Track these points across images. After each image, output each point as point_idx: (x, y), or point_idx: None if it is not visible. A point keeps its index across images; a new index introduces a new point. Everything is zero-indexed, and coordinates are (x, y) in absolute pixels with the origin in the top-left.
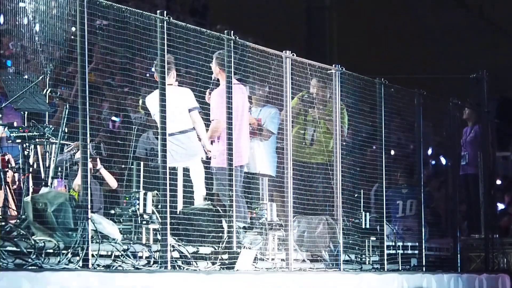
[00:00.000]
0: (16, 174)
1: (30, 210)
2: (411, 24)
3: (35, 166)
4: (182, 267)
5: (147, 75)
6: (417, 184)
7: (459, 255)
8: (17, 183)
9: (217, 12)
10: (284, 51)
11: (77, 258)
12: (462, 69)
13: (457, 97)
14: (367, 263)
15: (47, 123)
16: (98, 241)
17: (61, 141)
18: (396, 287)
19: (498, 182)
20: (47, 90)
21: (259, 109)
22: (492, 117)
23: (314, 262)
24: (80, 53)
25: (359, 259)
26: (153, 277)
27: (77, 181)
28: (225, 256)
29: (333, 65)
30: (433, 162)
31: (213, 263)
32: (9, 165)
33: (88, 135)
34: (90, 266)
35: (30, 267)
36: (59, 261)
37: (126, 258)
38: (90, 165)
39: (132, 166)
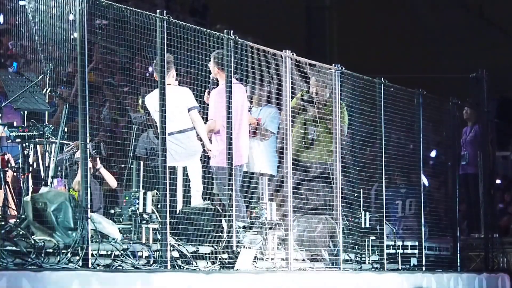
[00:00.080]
0: (16, 174)
1: (30, 210)
2: (411, 24)
3: (34, 165)
4: (181, 267)
5: (147, 74)
6: (416, 183)
7: (459, 254)
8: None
9: (217, 12)
10: (284, 51)
11: (77, 257)
12: (462, 69)
13: (457, 97)
14: (367, 262)
15: (46, 123)
16: (98, 240)
17: (61, 141)
18: (396, 287)
19: (498, 181)
20: (47, 90)
21: (259, 109)
22: (492, 117)
23: (314, 262)
24: (80, 52)
25: (359, 258)
26: (153, 276)
27: (77, 180)
28: (225, 256)
29: (333, 65)
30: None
31: (213, 263)
32: (9, 165)
33: (88, 135)
34: (90, 265)
35: (30, 267)
36: (59, 261)
37: (126, 258)
38: (90, 164)
39: (132, 166)
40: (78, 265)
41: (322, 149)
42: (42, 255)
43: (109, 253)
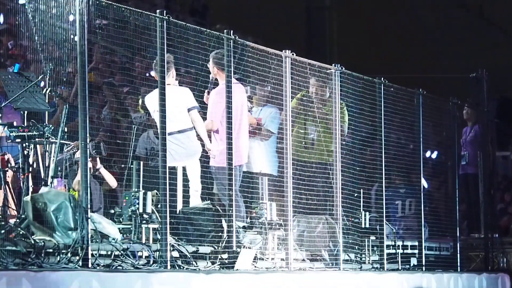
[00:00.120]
0: (16, 174)
1: (30, 210)
2: (411, 24)
3: (34, 165)
4: (181, 267)
5: (147, 74)
6: (416, 183)
7: (459, 254)
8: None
9: (217, 12)
10: (284, 51)
11: (77, 257)
12: (462, 69)
13: (457, 97)
14: (366, 262)
15: (46, 123)
16: (97, 240)
17: (61, 141)
18: (396, 287)
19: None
20: (46, 90)
21: (259, 109)
22: (492, 116)
23: (314, 262)
24: (80, 52)
25: (359, 258)
26: (153, 276)
27: (77, 180)
28: (225, 256)
29: (333, 65)
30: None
31: (213, 263)
32: (9, 165)
33: (88, 135)
34: (90, 265)
35: (30, 267)
36: (59, 261)
37: (125, 258)
38: (90, 164)
39: (131, 166)
40: (78, 265)
41: (322, 149)
42: (42, 255)
43: (109, 253)
